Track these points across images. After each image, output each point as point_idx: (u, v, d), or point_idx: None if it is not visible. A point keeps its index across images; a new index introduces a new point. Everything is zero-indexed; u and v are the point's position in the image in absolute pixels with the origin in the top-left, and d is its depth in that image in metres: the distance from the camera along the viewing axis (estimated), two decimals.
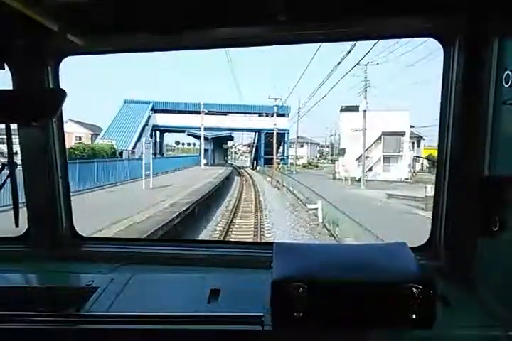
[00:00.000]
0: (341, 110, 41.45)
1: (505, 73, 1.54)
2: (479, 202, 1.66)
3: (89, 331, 1.52)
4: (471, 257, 1.77)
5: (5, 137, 1.80)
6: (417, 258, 1.60)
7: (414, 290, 1.38)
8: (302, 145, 60.90)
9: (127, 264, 2.12)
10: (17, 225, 1.99)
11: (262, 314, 1.47)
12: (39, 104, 1.68)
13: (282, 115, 47.84)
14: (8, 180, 1.82)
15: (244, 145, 75.25)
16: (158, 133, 49.96)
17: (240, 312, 1.52)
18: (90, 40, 1.94)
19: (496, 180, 1.61)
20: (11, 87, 2.08)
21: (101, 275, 1.95)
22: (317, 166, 56.31)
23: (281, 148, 54.68)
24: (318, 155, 71.08)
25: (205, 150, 50.03)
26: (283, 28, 1.89)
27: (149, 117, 46.86)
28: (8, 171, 1.81)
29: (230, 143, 75.61)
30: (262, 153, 53.74)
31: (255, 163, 58.53)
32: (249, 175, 45.71)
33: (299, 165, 50.77)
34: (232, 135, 55.49)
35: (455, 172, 1.88)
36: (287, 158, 54.93)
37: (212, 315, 1.55)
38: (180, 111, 48.73)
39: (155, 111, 48.62)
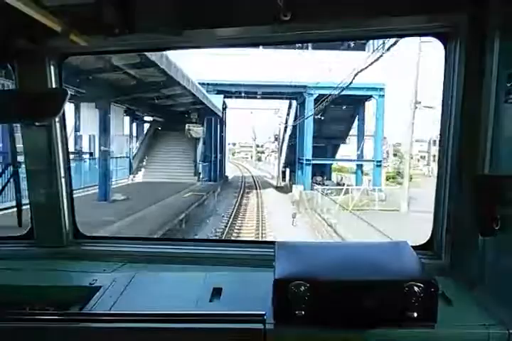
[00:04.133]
0: None
1: (506, 72, 1.55)
2: (480, 202, 1.66)
3: (92, 330, 1.53)
4: (472, 256, 1.78)
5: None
6: (418, 257, 1.61)
7: (416, 288, 1.39)
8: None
9: (130, 263, 2.13)
10: (20, 224, 2.01)
11: (263, 312, 1.48)
12: (42, 104, 1.69)
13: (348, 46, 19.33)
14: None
15: (274, 142, 44.39)
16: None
17: (242, 311, 1.52)
18: (92, 40, 1.95)
19: (496, 179, 1.61)
20: (13, 87, 2.10)
21: (104, 274, 1.96)
22: (410, 179, 21.36)
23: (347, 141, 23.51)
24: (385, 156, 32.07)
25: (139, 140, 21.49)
26: (285, 28, 1.89)
27: None
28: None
29: (254, 139, 47.40)
30: (307, 154, 23.63)
31: (286, 173, 27.49)
32: None
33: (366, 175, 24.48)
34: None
35: (456, 172, 1.88)
36: (379, 165, 23.94)
37: (214, 314, 1.55)
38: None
39: None
